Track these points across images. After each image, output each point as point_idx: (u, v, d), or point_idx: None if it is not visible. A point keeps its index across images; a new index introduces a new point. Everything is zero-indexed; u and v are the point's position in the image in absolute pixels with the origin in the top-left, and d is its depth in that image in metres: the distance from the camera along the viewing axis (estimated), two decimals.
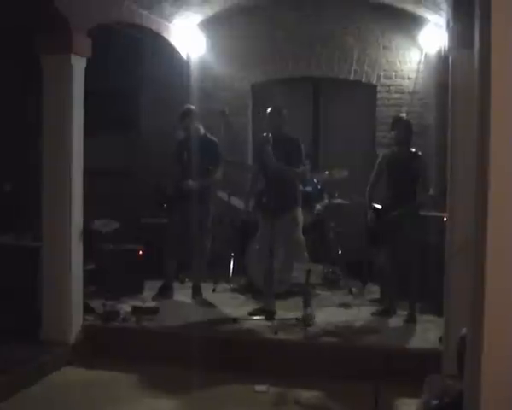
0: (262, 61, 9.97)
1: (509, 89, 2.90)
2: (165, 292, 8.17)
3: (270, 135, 7.27)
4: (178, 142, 8.17)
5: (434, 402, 3.46)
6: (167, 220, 8.25)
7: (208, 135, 8.10)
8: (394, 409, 5.58)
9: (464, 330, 3.38)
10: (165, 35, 9.05)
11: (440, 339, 6.33)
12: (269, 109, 7.37)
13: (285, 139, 7.28)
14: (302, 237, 7.38)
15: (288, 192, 7.29)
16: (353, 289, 8.68)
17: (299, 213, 7.37)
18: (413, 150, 7.45)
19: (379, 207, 7.52)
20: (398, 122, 7.72)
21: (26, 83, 7.97)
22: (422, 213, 7.46)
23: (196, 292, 8.14)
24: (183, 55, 9.77)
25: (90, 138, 7.21)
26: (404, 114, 8.85)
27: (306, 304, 7.24)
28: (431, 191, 7.26)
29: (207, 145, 7.94)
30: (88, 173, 7.08)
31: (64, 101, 6.77)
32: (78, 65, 6.85)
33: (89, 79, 6.99)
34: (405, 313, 7.42)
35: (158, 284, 8.19)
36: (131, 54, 9.80)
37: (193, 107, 8.10)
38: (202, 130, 8.08)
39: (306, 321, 6.96)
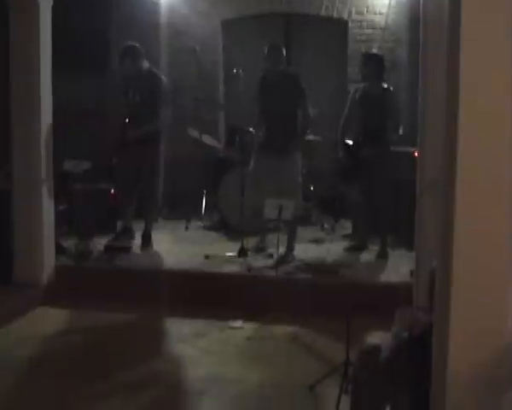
0: None
1: (479, 21, 2.90)
2: (124, 235, 7.87)
3: (240, 71, 7.27)
4: (121, 81, 7.83)
5: (404, 334, 3.52)
6: (117, 165, 7.97)
7: (154, 72, 7.74)
8: (366, 341, 5.66)
9: (435, 263, 3.42)
10: None
11: (411, 273, 6.41)
12: (267, 46, 7.27)
13: (284, 77, 7.25)
14: (300, 177, 7.44)
15: (291, 134, 7.27)
16: (325, 225, 8.74)
17: (299, 154, 7.37)
18: (385, 86, 7.43)
19: (350, 143, 7.53)
20: (369, 57, 7.68)
21: None
22: (394, 149, 7.49)
23: (146, 242, 7.82)
24: None
25: (60, 78, 7.11)
26: (375, 50, 8.81)
27: (290, 242, 7.35)
28: (401, 128, 7.30)
29: (152, 84, 7.61)
30: (58, 114, 6.99)
31: (31, 41, 6.63)
32: (45, 4, 6.69)
33: (57, 18, 6.85)
34: (377, 248, 7.51)
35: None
36: None
37: (136, 44, 7.61)
38: (147, 65, 7.67)
39: (287, 259, 7.06)
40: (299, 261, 7.21)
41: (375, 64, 7.44)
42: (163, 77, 7.81)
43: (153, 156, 7.74)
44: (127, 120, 7.57)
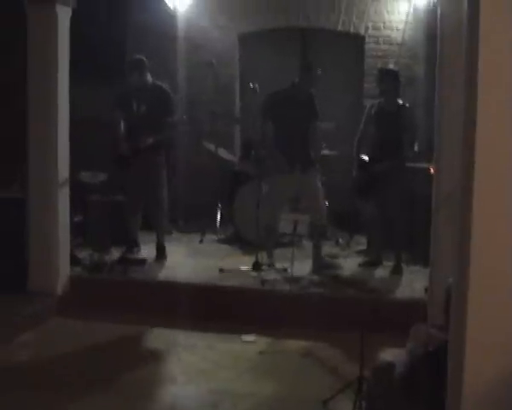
0: (249, 11, 9.83)
1: (498, 39, 2.89)
2: (132, 248, 7.81)
3: (256, 85, 7.29)
4: (123, 93, 7.81)
5: (419, 350, 3.50)
6: (124, 177, 7.88)
7: (159, 84, 7.71)
8: (380, 357, 5.63)
9: (451, 280, 3.40)
10: None
11: (426, 289, 6.37)
12: (300, 66, 7.30)
13: (300, 96, 7.33)
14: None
15: (309, 151, 7.38)
16: (340, 241, 8.71)
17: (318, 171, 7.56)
18: (400, 102, 7.42)
19: (366, 158, 7.52)
20: (386, 73, 7.69)
21: (13, 33, 7.81)
22: (409, 164, 7.47)
23: (160, 254, 7.83)
24: (170, 5, 9.63)
25: (77, 88, 7.14)
26: (391, 66, 8.80)
27: (318, 247, 7.47)
28: (416, 145, 7.29)
29: (159, 96, 7.61)
30: (76, 124, 7.02)
31: (49, 50, 6.69)
32: (64, 14, 6.75)
33: (74, 28, 6.89)
34: (392, 263, 7.47)
35: (145, 235, 8.10)
36: (118, 3, 9.66)
37: (143, 57, 7.62)
38: (150, 79, 7.65)
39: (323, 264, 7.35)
40: (314, 275, 7.21)
41: (391, 80, 7.44)
42: (168, 89, 7.77)
43: (157, 167, 7.71)
44: (130, 132, 7.56)
